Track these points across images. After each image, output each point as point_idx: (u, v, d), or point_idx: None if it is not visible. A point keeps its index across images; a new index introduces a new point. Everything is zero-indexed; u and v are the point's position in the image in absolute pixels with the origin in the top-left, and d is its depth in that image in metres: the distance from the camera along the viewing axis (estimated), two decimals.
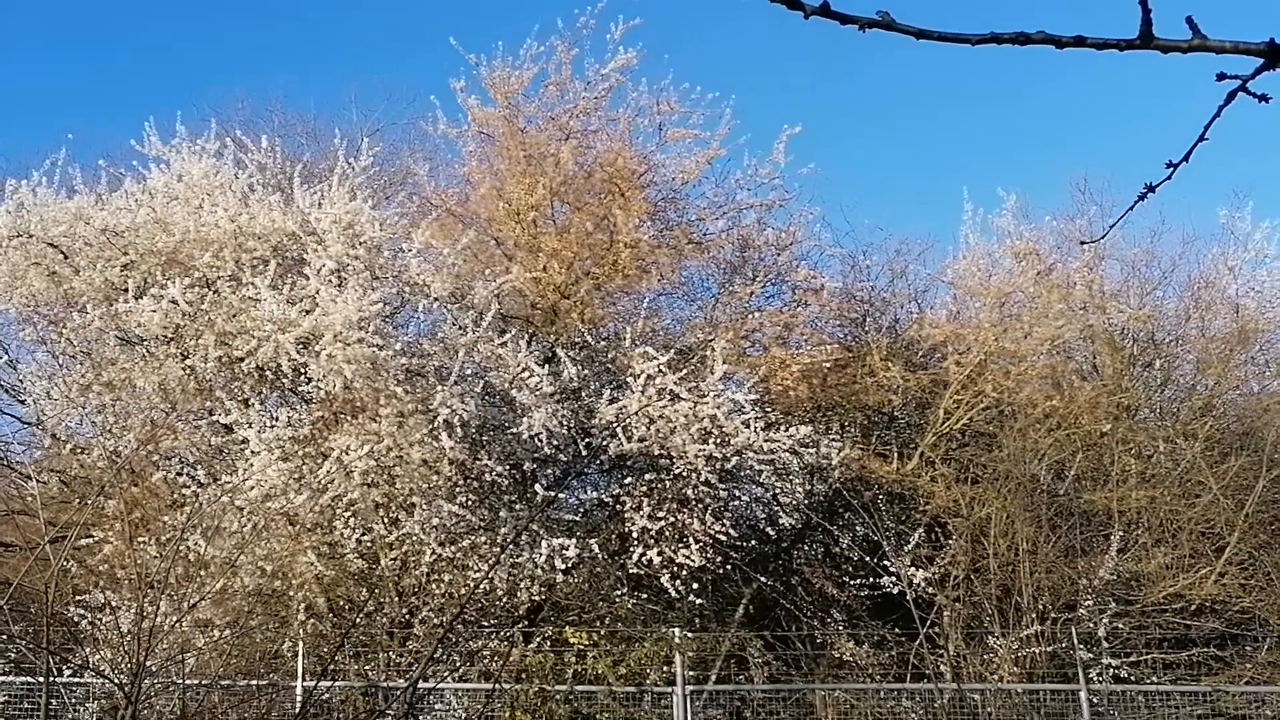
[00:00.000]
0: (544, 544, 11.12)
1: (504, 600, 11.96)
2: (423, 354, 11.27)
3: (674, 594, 11.56)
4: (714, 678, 12.12)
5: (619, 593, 12.57)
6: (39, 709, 9.95)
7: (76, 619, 11.21)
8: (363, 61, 40.00)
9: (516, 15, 33.84)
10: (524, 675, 10.85)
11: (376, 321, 10.62)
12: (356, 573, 11.53)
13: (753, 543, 13.16)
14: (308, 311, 10.64)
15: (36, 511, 9.85)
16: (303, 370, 10.86)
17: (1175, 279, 15.86)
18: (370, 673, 10.93)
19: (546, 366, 11.59)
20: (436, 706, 11.37)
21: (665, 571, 11.53)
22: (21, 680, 11.58)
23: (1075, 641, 11.17)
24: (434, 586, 11.50)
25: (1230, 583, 11.71)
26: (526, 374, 11.10)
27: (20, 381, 13.22)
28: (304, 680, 10.64)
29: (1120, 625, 11.98)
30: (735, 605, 13.07)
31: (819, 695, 11.32)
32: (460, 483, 11.36)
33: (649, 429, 11.48)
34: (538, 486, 11.60)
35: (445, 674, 11.08)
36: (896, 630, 12.01)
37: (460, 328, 11.29)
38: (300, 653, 10.86)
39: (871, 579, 12.62)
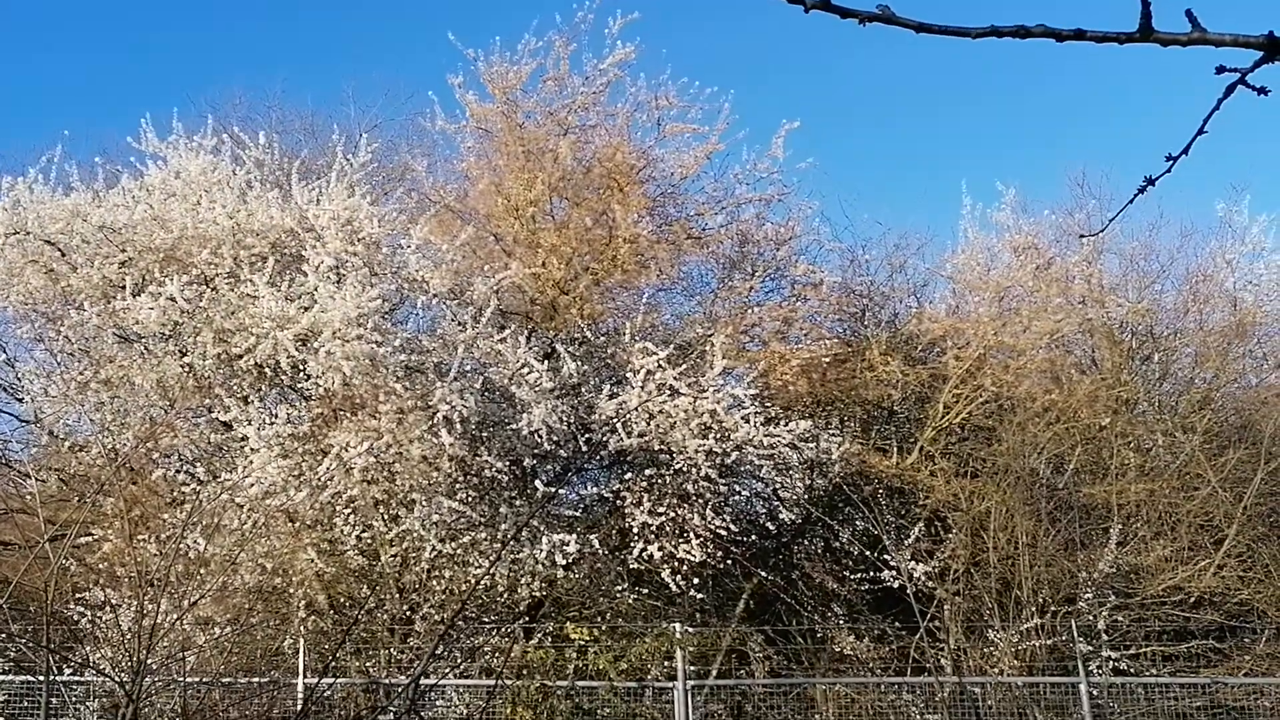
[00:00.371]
0: (544, 540, 11.13)
1: (505, 596, 11.98)
2: (422, 350, 11.25)
3: (675, 589, 11.57)
4: (715, 672, 12.13)
5: (620, 588, 12.59)
6: (39, 708, 9.96)
7: (76, 617, 11.20)
8: (361, 57, 39.94)
9: (514, 11, 33.78)
10: (525, 671, 10.87)
11: (375, 318, 10.60)
12: (357, 569, 11.54)
13: (753, 537, 13.16)
14: (306, 308, 10.63)
15: (35, 510, 9.86)
16: (302, 367, 10.85)
17: (1173, 273, 15.92)
18: (371, 669, 10.92)
19: (546, 362, 11.57)
20: (438, 703, 11.39)
21: (666, 567, 11.55)
22: (22, 679, 11.60)
23: (1075, 634, 11.21)
24: (435, 583, 11.50)
25: (1229, 575, 11.73)
26: (526, 370, 11.10)
27: (18, 379, 13.24)
28: (305, 677, 10.66)
29: (1120, 618, 12.00)
30: (736, 600, 13.09)
31: (820, 689, 11.35)
32: (460, 479, 11.36)
33: (649, 424, 11.50)
34: (538, 482, 11.60)
35: (447, 670, 11.09)
36: (897, 624, 12.03)
37: (459, 324, 11.28)
38: (301, 650, 10.87)
39: (872, 573, 12.65)
